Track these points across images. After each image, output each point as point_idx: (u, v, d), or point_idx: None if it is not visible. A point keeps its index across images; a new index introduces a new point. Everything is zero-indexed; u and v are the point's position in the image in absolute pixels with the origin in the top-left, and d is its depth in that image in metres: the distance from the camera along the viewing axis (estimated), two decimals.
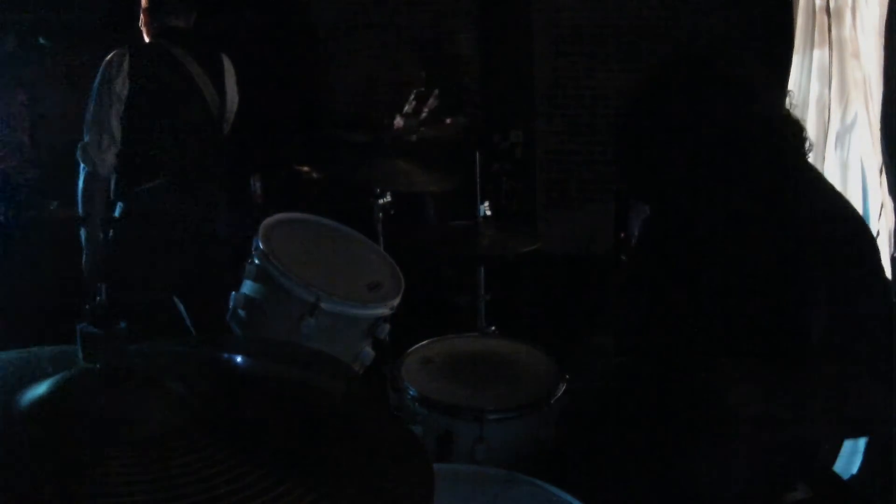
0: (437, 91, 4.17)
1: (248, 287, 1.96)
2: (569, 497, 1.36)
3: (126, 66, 2.46)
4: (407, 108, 4.19)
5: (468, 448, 1.80)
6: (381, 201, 2.70)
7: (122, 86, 2.46)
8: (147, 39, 2.65)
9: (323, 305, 1.86)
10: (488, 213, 2.62)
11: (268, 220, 2.04)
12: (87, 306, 0.81)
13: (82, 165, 2.50)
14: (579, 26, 4.73)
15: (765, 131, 1.35)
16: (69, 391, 0.79)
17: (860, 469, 1.82)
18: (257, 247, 1.93)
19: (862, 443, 1.90)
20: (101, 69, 2.49)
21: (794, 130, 1.40)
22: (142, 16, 2.64)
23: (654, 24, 4.52)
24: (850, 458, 1.80)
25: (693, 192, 1.41)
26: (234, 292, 2.00)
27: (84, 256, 2.58)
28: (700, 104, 1.35)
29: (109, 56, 2.50)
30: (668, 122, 1.37)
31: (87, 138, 2.48)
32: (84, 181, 2.51)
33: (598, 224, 4.35)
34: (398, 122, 4.15)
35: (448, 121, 4.14)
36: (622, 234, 3.73)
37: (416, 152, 3.63)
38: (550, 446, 1.81)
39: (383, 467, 0.82)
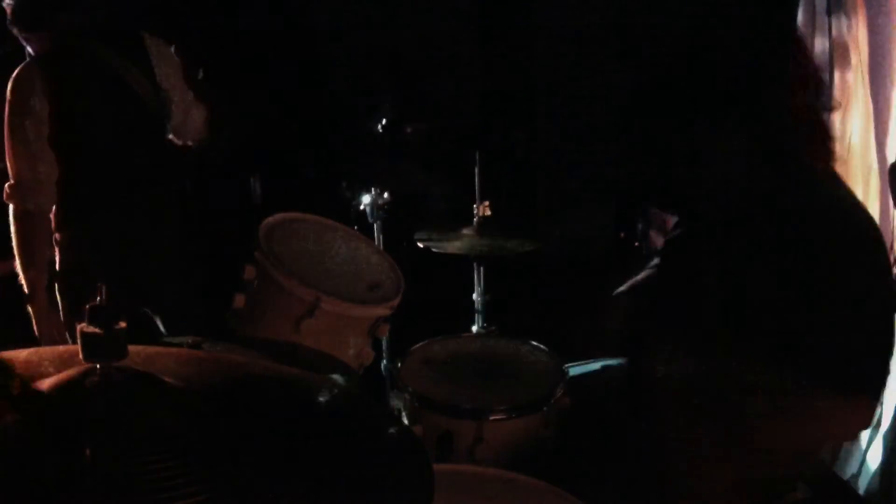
0: None
1: (248, 287, 1.96)
2: (569, 497, 1.36)
3: (38, 80, 2.07)
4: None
5: (468, 448, 1.79)
6: (380, 201, 2.70)
7: (40, 104, 2.07)
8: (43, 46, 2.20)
9: (323, 305, 1.86)
10: (488, 213, 2.62)
11: (268, 220, 2.04)
12: (87, 306, 0.81)
13: (11, 209, 2.14)
14: (579, 26, 4.73)
15: (779, 136, 1.35)
16: (69, 391, 0.79)
17: (860, 469, 1.82)
18: (257, 246, 1.93)
19: (862, 442, 1.90)
20: (9, 92, 2.09)
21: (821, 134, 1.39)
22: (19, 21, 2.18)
23: (654, 24, 4.51)
24: (850, 457, 1.81)
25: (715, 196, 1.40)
26: (234, 292, 2.00)
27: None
28: (708, 110, 1.35)
29: (16, 73, 2.10)
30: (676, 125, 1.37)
31: (16, 176, 2.10)
32: (20, 225, 2.14)
33: (598, 224, 4.35)
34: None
35: (409, 130, 3.99)
36: (622, 234, 3.73)
37: (416, 152, 3.63)
38: (550, 446, 1.81)
39: (383, 467, 0.82)
